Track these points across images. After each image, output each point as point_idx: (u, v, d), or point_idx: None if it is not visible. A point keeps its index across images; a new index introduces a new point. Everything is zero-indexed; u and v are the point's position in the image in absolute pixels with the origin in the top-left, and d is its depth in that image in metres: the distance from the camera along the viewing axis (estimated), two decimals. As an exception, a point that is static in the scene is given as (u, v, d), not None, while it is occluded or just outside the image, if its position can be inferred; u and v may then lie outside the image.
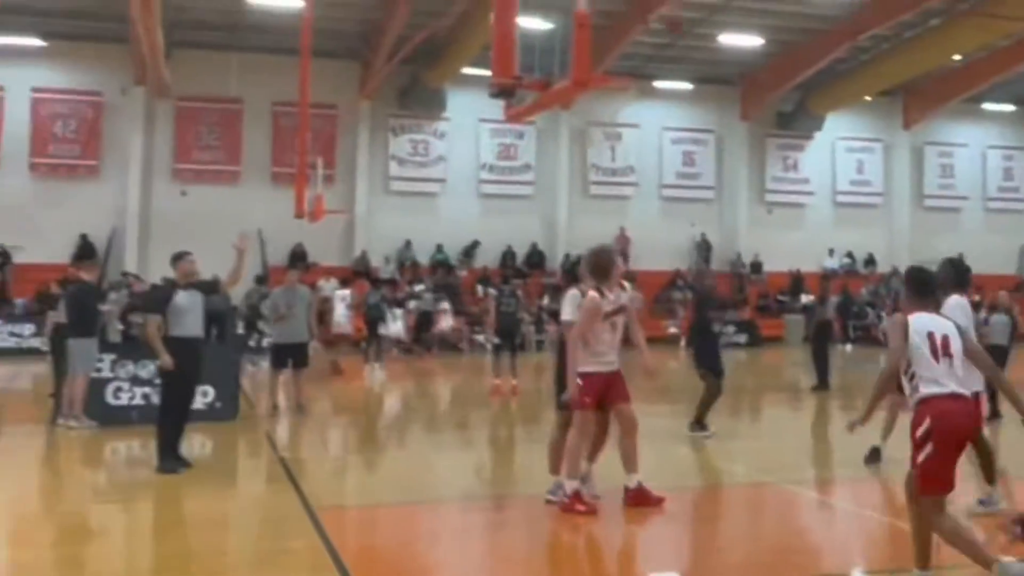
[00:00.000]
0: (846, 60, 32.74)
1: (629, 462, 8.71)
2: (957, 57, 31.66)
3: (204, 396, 13.41)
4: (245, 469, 11.90)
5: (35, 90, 30.28)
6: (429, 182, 33.50)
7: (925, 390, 6.01)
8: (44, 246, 29.19)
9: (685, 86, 35.26)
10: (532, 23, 14.69)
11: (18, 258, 29.52)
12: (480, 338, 28.26)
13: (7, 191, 29.42)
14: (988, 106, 37.71)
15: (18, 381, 21.12)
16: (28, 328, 25.62)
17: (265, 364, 18.65)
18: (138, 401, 13.51)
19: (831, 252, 36.36)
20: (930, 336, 6.08)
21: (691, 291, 29.25)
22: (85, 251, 27.08)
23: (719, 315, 14.47)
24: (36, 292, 26.47)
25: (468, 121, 33.14)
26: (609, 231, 33.36)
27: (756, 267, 35.84)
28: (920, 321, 6.16)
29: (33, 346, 24.51)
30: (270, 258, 29.93)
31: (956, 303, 7.88)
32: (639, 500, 8.66)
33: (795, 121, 36.52)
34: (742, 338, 31.28)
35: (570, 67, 11.94)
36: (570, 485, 8.50)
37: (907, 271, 6.72)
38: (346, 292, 23.36)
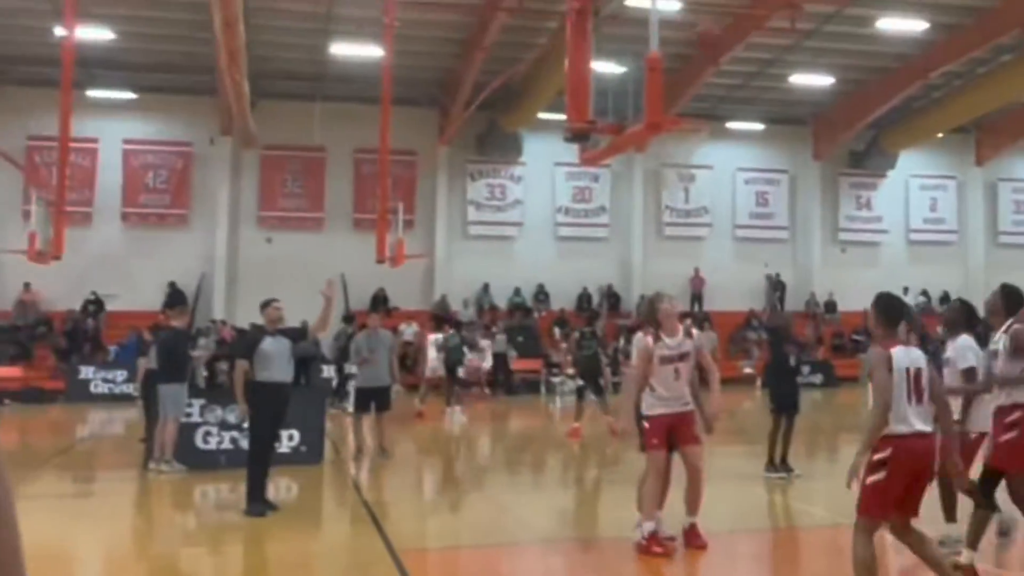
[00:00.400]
0: (918, 98, 32.67)
1: (689, 504, 8.81)
2: (1030, 93, 31.42)
3: (290, 440, 13.64)
4: (330, 512, 12.02)
5: (127, 141, 31.36)
6: (506, 226, 33.99)
7: (894, 427, 6.16)
8: (135, 293, 30.12)
9: (757, 127, 35.42)
10: (605, 67, 15.00)
11: (111, 305, 30.49)
12: (557, 380, 28.47)
13: (100, 240, 30.42)
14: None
15: (111, 427, 21.58)
16: (121, 374, 26.32)
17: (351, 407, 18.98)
18: (226, 445, 13.65)
19: (906, 290, 35.94)
20: (907, 372, 6.21)
21: (766, 331, 29.22)
22: (175, 298, 27.87)
23: (796, 349, 14.31)
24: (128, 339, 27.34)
25: (544, 165, 33.62)
26: (683, 272, 33.56)
27: (831, 307, 35.67)
28: (899, 356, 6.26)
29: (126, 392, 25.27)
30: (352, 302, 30.54)
31: (966, 343, 7.92)
32: (688, 539, 8.75)
33: (868, 159, 36.45)
34: (817, 378, 31.03)
35: (643, 110, 12.19)
36: (647, 526, 8.57)
37: (875, 299, 6.75)
38: (439, 336, 23.61)
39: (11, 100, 30.11)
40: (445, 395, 23.07)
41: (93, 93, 29.70)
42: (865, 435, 6.27)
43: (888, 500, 6.22)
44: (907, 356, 6.26)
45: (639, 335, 9.03)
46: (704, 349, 9.14)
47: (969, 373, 7.84)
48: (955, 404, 7.58)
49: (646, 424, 8.78)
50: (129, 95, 31.00)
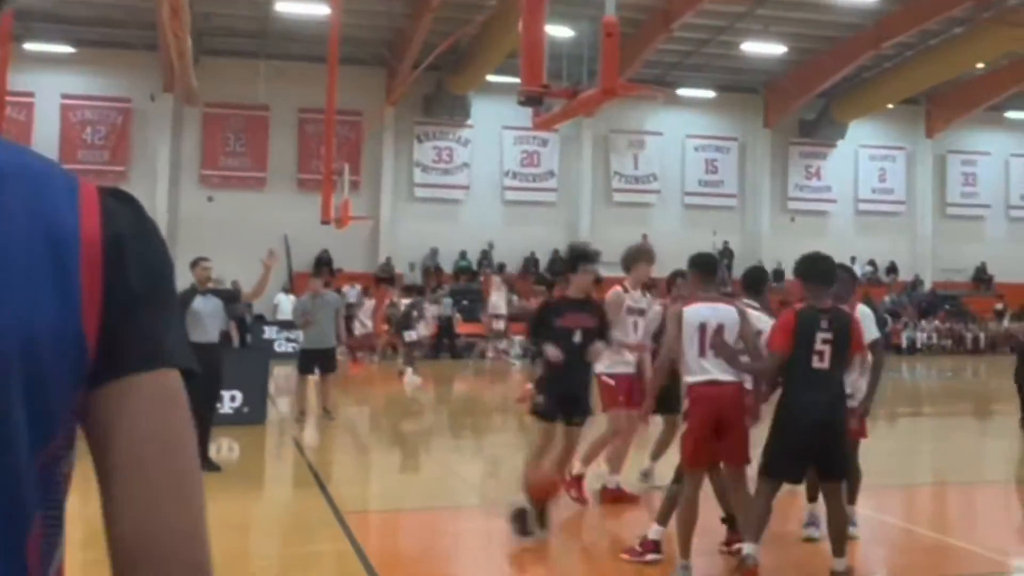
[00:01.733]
0: (869, 68, 32.72)
1: (615, 462, 9.08)
2: (980, 65, 31.57)
3: (232, 401, 13.44)
4: (273, 473, 11.97)
5: (64, 97, 30.66)
6: (453, 189, 33.71)
7: (689, 378, 6.62)
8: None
9: (708, 94, 35.30)
10: (559, 31, 14.79)
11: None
12: (503, 344, 28.32)
13: (36, 198, 29.66)
14: (1011, 114, 37.50)
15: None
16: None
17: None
18: None
19: (853, 260, 35.94)
20: (701, 328, 6.54)
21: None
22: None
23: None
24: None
25: (492, 128, 33.33)
26: (632, 238, 32.92)
27: (778, 275, 35.67)
28: (695, 313, 6.62)
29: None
30: (296, 264, 30.11)
31: (866, 314, 7.51)
32: (617, 498, 8.98)
33: (818, 129, 36.57)
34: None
35: (598, 75, 12.01)
36: (578, 467, 8.90)
37: (691, 257, 7.00)
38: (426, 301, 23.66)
39: (-56, 51, 29.22)
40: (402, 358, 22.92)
41: (30, 46, 28.85)
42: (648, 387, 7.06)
43: (699, 448, 6.56)
44: (705, 312, 6.60)
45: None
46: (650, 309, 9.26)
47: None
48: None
49: (610, 381, 8.83)
50: (68, 49, 30.23)
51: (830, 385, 6.45)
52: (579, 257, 8.02)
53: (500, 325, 28.56)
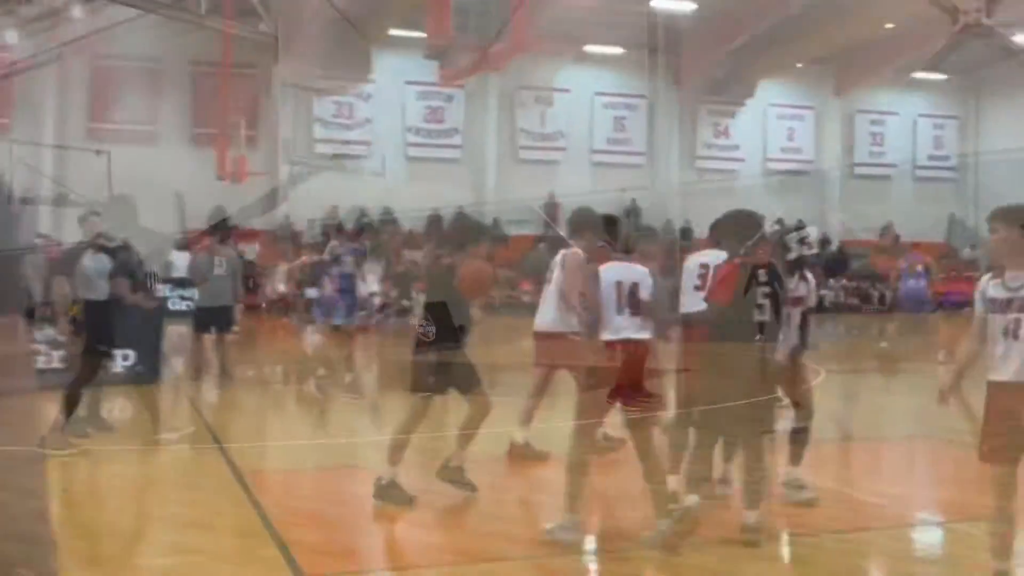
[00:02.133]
0: (779, 27, 32.65)
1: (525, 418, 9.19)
2: (889, 25, 31.79)
3: (124, 360, 12.98)
4: (169, 433, 11.41)
5: (-61, 47, 29.26)
6: (354, 145, 33.01)
7: (603, 335, 6.68)
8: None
9: (617, 51, 35.00)
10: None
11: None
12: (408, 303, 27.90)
13: (-90, 152, 28.34)
14: (920, 75, 37.92)
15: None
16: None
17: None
18: (56, 365, 12.76)
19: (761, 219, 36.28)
20: (617, 286, 6.67)
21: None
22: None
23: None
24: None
25: (394, 83, 32.62)
26: (538, 196, 33.18)
27: (686, 233, 35.72)
28: (611, 271, 6.74)
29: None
30: (190, 221, 29.16)
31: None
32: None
33: (727, 87, 36.45)
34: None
35: (506, 30, 11.68)
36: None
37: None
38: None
39: None
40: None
41: (-97, -10, 27.38)
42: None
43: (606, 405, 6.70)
44: (621, 271, 6.76)
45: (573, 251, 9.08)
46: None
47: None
48: None
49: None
50: (-55, -5, 28.76)
51: (769, 338, 6.79)
52: (465, 242, 8.07)
53: (376, 301, 27.97)
